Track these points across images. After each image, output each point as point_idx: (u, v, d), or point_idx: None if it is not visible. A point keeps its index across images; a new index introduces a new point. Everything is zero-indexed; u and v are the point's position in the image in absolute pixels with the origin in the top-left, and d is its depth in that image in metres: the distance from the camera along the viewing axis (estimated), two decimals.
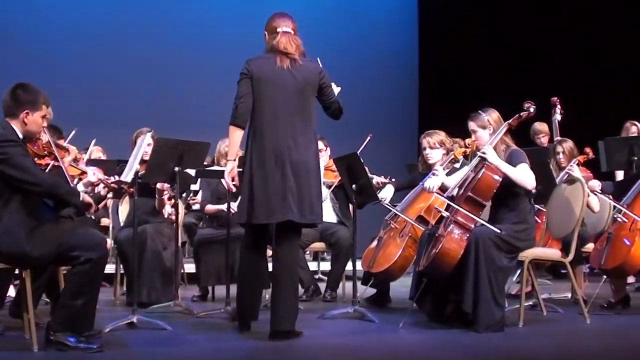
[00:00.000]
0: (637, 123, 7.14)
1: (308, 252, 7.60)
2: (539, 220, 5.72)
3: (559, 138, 6.82)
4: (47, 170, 4.49)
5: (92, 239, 4.11)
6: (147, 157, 5.47)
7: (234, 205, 5.69)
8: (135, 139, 5.94)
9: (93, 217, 5.56)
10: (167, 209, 6.13)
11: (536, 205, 5.43)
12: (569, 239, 5.23)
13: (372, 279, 5.97)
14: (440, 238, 4.85)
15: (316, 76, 4.60)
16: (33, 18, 9.52)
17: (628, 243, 5.46)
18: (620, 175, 7.14)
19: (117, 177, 4.91)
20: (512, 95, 6.19)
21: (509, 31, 10.17)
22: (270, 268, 4.79)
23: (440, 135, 6.08)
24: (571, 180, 5.52)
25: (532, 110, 5.08)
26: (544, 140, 7.72)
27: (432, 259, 4.79)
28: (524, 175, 4.87)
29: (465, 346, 4.46)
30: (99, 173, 4.70)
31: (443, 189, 5.20)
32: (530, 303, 5.59)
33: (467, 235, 4.78)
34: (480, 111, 5.05)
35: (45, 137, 4.54)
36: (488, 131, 5.01)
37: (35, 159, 4.39)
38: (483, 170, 4.87)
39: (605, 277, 5.80)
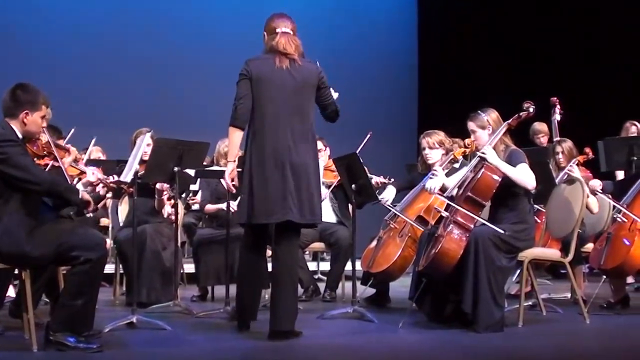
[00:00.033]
0: (636, 123, 7.13)
1: (307, 252, 7.60)
2: (539, 221, 5.72)
3: (558, 138, 6.81)
4: (46, 170, 4.49)
5: (92, 239, 4.11)
6: (146, 157, 5.47)
7: (234, 205, 5.69)
8: (134, 139, 5.93)
9: (91, 215, 5.55)
10: (167, 209, 6.13)
11: (536, 205, 5.43)
12: (568, 239, 5.23)
13: (371, 279, 5.96)
14: (439, 238, 4.84)
15: (315, 77, 4.60)
16: (33, 18, 9.51)
17: (627, 243, 5.46)
18: (620, 175, 7.12)
19: (116, 177, 4.91)
20: (511, 95, 6.18)
21: (509, 31, 10.17)
22: (269, 268, 4.78)
23: (440, 136, 6.07)
24: (571, 181, 5.52)
25: (531, 110, 5.07)
26: (543, 140, 7.71)
27: (431, 259, 4.79)
28: (524, 175, 4.86)
29: (465, 346, 4.46)
30: (99, 173, 4.71)
31: (442, 189, 5.19)
32: (530, 303, 5.58)
33: (467, 235, 4.78)
34: (479, 111, 5.04)
35: (44, 137, 4.54)
36: (487, 131, 5.00)
37: (35, 159, 4.39)
38: (482, 170, 4.87)
39: (604, 277, 5.79)
